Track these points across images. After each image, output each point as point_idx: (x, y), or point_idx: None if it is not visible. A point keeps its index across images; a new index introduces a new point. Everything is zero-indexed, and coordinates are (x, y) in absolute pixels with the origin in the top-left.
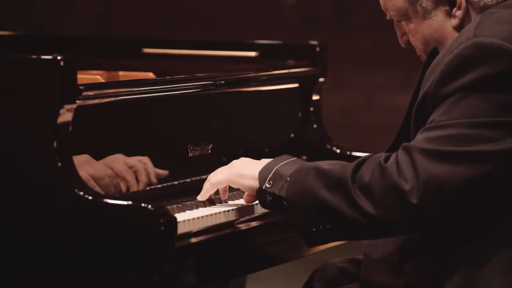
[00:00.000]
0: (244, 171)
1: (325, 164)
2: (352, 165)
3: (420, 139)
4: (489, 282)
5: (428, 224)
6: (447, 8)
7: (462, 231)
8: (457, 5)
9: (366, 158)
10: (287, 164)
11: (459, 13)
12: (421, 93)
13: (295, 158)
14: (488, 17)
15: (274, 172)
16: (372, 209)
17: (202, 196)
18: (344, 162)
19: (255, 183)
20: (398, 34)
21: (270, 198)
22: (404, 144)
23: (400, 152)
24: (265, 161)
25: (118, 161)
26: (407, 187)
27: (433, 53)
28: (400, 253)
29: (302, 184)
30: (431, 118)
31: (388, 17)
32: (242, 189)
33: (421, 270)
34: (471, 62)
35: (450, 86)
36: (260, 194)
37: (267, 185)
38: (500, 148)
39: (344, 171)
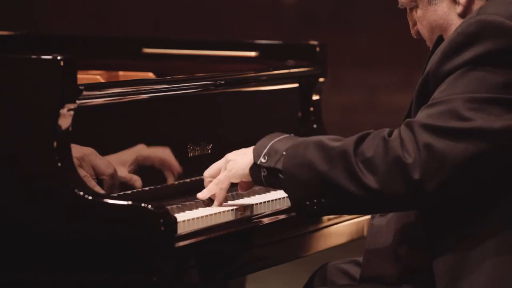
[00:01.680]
0: (240, 162)
1: (325, 139)
2: (354, 138)
3: (422, 115)
4: (480, 265)
5: (430, 200)
6: None
7: (456, 213)
8: None
9: (368, 133)
10: (282, 140)
11: (463, 0)
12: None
13: (288, 135)
14: (493, 1)
15: (269, 147)
16: (375, 183)
17: (203, 195)
18: (345, 138)
19: (251, 165)
20: (410, 24)
21: (265, 173)
22: (407, 120)
23: (402, 127)
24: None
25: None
26: (409, 160)
27: (439, 41)
28: (398, 238)
29: (301, 157)
30: (433, 96)
31: (399, 5)
32: (242, 179)
33: (415, 252)
34: (473, 39)
35: (452, 63)
36: (254, 170)
37: (262, 160)
38: (500, 125)
39: (346, 145)
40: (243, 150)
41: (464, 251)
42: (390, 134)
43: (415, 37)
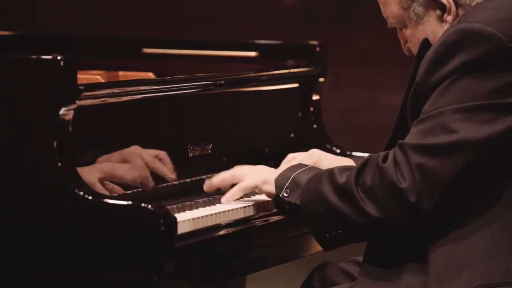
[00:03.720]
0: (270, 178)
1: (337, 170)
2: (356, 168)
3: (412, 133)
4: (470, 261)
5: (430, 219)
6: (439, 13)
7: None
8: (447, 10)
9: (368, 160)
10: (304, 172)
11: (449, 18)
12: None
13: (311, 166)
14: (473, 8)
15: (291, 181)
16: (376, 212)
17: (227, 200)
18: (354, 167)
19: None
20: (401, 42)
21: (288, 207)
22: (399, 141)
23: (396, 150)
24: (281, 169)
25: (135, 155)
26: (404, 185)
27: (424, 45)
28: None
29: (314, 190)
30: (423, 109)
31: (389, 26)
32: (265, 194)
33: (414, 251)
34: (455, 48)
35: (437, 74)
36: (277, 202)
37: (285, 194)
38: (487, 132)
39: (349, 176)
40: (268, 168)
41: (455, 248)
42: (384, 159)
43: (407, 54)
